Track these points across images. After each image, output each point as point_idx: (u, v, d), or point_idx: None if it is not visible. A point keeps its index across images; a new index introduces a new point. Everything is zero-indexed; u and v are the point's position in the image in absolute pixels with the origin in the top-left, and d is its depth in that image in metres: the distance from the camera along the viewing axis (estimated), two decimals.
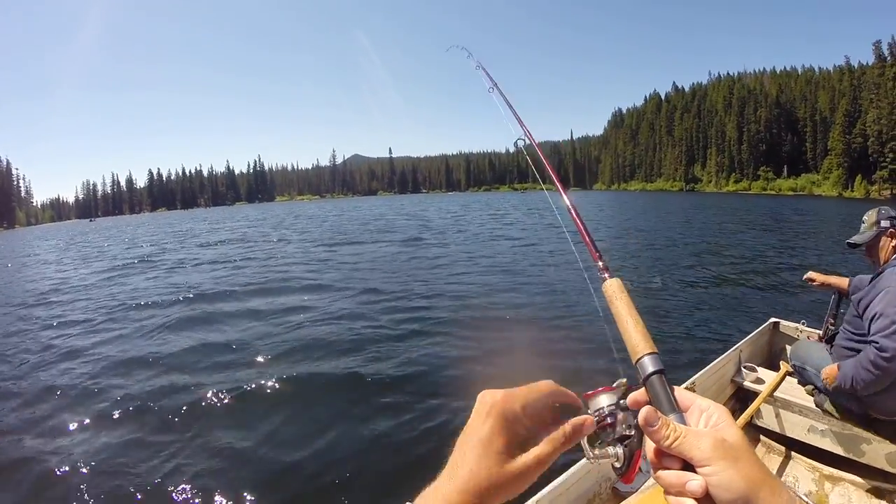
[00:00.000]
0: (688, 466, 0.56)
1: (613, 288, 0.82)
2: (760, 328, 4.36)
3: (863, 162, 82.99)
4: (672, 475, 0.56)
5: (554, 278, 11.75)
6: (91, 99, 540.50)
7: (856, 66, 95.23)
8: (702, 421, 0.58)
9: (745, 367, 3.86)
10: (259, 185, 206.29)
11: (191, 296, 12.11)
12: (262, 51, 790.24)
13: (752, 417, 3.29)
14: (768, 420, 3.48)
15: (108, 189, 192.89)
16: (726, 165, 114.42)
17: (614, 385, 0.67)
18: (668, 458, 0.57)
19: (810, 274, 3.74)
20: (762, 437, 3.56)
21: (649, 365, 0.66)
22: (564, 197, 1.03)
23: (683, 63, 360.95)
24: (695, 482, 0.53)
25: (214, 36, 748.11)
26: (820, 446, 3.22)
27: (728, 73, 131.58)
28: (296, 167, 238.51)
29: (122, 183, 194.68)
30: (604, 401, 0.67)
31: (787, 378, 3.58)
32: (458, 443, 0.57)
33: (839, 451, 3.11)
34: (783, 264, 14.46)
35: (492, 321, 8.63)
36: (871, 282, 2.87)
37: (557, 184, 1.08)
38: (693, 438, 0.55)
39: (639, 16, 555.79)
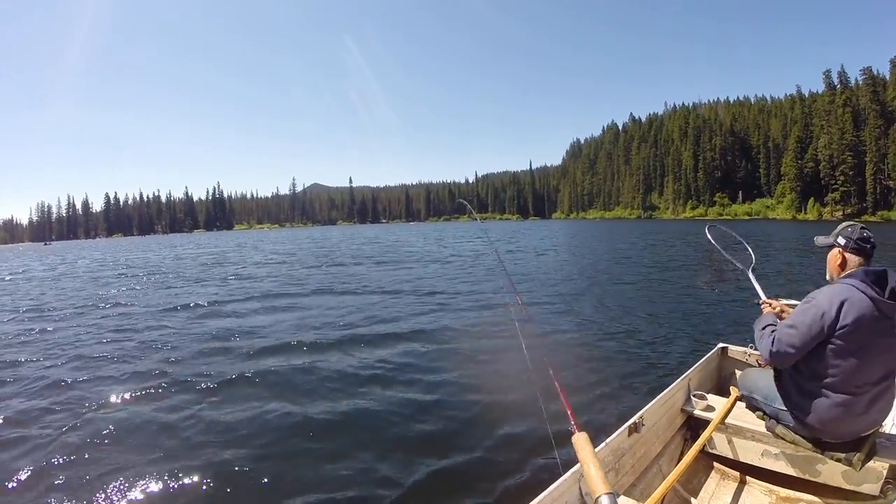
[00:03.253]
0: None
1: (581, 441, 1.05)
2: (709, 354, 4.27)
3: (815, 185, 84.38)
4: None
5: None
6: (47, 117, 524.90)
7: (807, 94, 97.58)
8: None
9: (694, 396, 3.71)
10: (218, 213, 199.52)
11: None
12: (225, 78, 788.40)
13: (704, 445, 3.17)
14: (721, 447, 3.42)
15: (64, 212, 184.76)
16: (683, 192, 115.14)
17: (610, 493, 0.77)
18: None
19: (767, 300, 3.54)
20: (716, 465, 3.53)
21: (605, 502, 0.81)
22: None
23: (640, 94, 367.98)
24: None
25: (175, 60, 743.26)
26: (775, 469, 3.20)
27: (683, 104, 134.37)
28: (255, 195, 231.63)
29: (78, 206, 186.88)
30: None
31: (738, 403, 3.48)
32: None
33: (794, 472, 3.10)
34: (731, 285, 14.10)
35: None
36: None
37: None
38: None
39: (596, 48, 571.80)
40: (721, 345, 4.47)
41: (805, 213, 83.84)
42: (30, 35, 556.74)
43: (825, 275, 3.02)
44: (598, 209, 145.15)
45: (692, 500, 3.25)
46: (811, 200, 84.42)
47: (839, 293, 2.64)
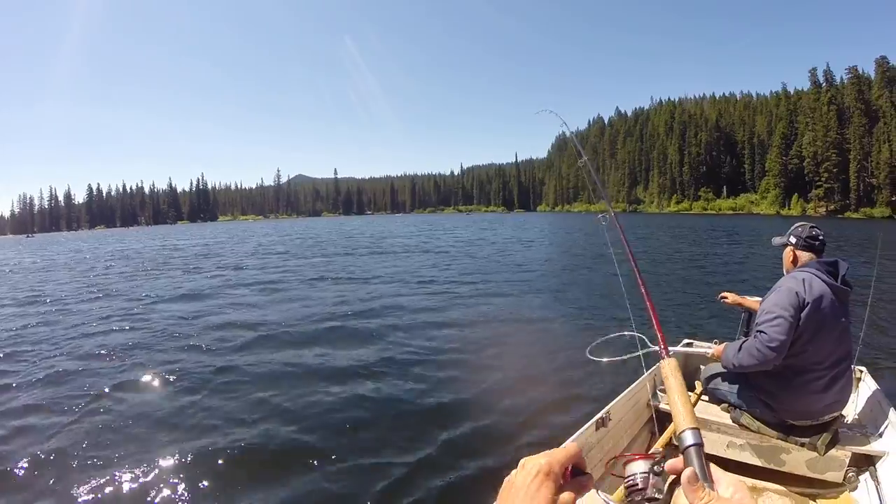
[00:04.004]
0: None
1: (671, 367, 1.00)
2: (674, 350, 4.06)
3: (799, 182, 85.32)
4: None
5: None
6: (31, 112, 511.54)
7: (792, 91, 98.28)
8: (727, 493, 0.67)
9: (660, 391, 3.82)
10: (202, 204, 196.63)
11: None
12: (207, 68, 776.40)
13: (671, 438, 3.14)
14: None
15: (46, 204, 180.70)
16: (668, 187, 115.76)
17: (650, 453, 0.76)
18: None
19: (724, 293, 3.94)
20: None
21: (689, 438, 0.78)
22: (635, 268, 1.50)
23: (626, 88, 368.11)
24: None
25: (157, 52, 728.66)
26: (740, 460, 3.27)
27: (669, 99, 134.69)
28: (239, 186, 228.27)
29: (61, 198, 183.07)
30: (638, 467, 0.77)
31: (703, 397, 3.64)
32: (501, 499, 0.64)
33: (760, 462, 3.19)
34: (699, 284, 14.07)
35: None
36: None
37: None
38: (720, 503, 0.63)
39: (582, 43, 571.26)
40: (686, 340, 4.59)
41: (789, 209, 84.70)
42: (17, 31, 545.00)
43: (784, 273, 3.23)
44: (583, 202, 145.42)
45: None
46: (795, 196, 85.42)
47: (800, 277, 2.91)
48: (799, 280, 2.88)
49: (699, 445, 0.77)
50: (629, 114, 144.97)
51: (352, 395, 5.72)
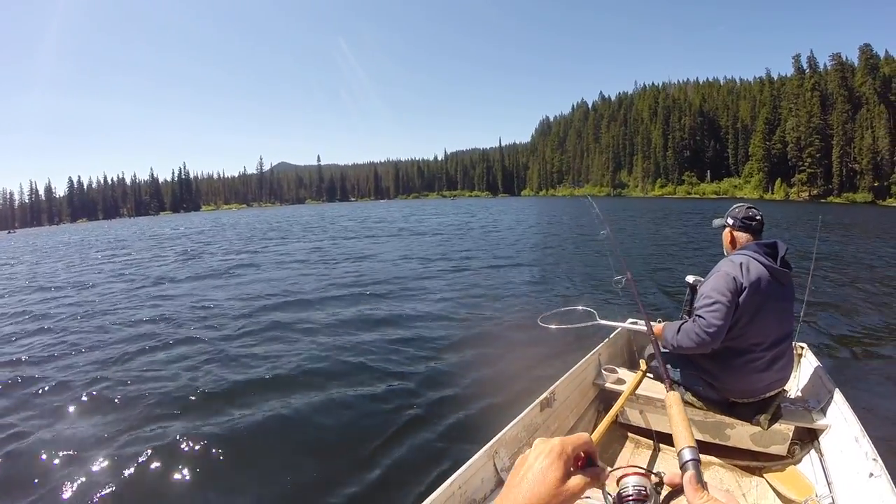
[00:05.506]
0: None
1: (673, 399, 1.21)
2: (617, 330, 4.37)
3: (782, 166, 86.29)
4: None
5: None
6: (12, 105, 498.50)
7: (776, 77, 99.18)
8: (722, 497, 0.78)
9: (605, 370, 3.88)
10: (184, 194, 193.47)
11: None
12: (183, 56, 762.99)
13: (617, 416, 3.31)
14: (633, 417, 3.58)
15: (26, 198, 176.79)
16: (652, 171, 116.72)
17: (649, 471, 0.87)
18: None
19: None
20: (630, 434, 3.65)
21: (688, 454, 0.94)
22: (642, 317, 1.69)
23: (610, 73, 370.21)
24: None
25: (133, 41, 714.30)
26: None
27: (653, 83, 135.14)
28: (222, 175, 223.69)
29: (41, 191, 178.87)
30: (634, 480, 0.86)
31: (648, 374, 3.63)
32: (513, 475, 0.70)
33: (705, 437, 3.24)
34: (663, 263, 14.37)
35: None
36: None
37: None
38: None
39: (566, 28, 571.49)
40: (631, 319, 4.56)
41: (772, 194, 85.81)
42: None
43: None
44: (568, 186, 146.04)
45: (608, 468, 3.20)
46: (778, 181, 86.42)
47: (738, 260, 2.93)
48: (736, 264, 2.91)
49: (697, 461, 0.92)
50: (613, 98, 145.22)
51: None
